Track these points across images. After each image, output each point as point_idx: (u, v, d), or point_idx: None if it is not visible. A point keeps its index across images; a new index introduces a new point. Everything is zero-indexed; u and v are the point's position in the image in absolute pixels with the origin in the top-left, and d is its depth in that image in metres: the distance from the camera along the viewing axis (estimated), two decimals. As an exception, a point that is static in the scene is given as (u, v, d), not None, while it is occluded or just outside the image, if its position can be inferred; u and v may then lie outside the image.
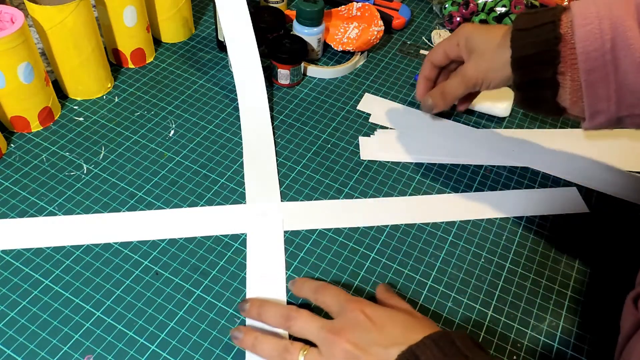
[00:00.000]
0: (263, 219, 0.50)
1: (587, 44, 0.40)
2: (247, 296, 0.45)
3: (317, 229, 0.50)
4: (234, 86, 0.64)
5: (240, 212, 0.51)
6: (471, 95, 0.57)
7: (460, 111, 0.60)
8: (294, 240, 0.49)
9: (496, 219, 0.52)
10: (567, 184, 0.56)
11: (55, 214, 0.49)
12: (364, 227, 0.51)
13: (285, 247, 0.48)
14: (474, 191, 0.55)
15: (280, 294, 0.45)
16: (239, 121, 0.60)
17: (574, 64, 0.42)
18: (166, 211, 0.50)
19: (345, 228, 0.50)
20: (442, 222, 0.52)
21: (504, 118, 0.62)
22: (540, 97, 0.45)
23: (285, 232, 0.50)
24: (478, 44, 0.49)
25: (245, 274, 0.46)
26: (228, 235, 0.49)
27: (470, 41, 0.50)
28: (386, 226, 0.51)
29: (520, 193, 0.55)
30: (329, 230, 0.50)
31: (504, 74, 0.47)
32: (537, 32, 0.43)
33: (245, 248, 0.48)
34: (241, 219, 0.50)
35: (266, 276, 0.46)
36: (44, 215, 0.49)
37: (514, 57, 0.45)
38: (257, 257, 0.48)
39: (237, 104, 0.61)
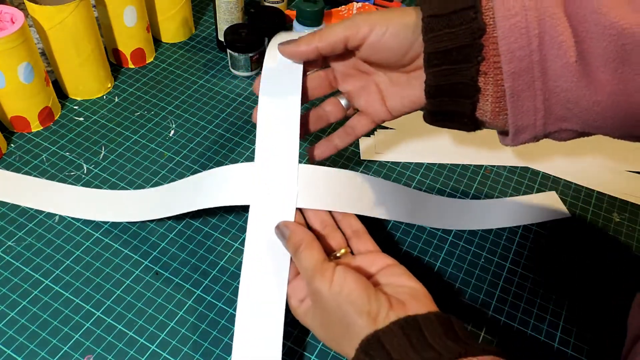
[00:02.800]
0: (273, 188, 0.41)
1: (511, 40, 0.33)
2: (242, 278, 0.40)
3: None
4: (235, 86, 0.64)
5: (247, 175, 0.42)
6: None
7: (313, 159, 0.46)
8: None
9: (478, 230, 0.51)
10: (567, 184, 0.56)
11: (54, 215, 0.49)
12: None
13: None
14: (474, 191, 0.55)
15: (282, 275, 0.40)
16: (239, 121, 0.60)
17: (497, 62, 0.35)
18: (163, 187, 0.49)
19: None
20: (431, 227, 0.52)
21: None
22: (455, 109, 0.37)
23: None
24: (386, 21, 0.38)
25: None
26: (230, 232, 0.49)
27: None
28: (387, 225, 0.51)
29: (500, 202, 0.54)
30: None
31: (406, 31, 0.37)
32: (455, 20, 0.34)
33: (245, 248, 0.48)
34: (247, 184, 0.41)
35: (266, 259, 0.40)
36: (44, 216, 0.49)
37: (428, 52, 0.36)
38: (258, 238, 0.41)
39: (237, 103, 0.62)
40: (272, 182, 0.41)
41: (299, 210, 0.41)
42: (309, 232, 0.39)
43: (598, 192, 0.56)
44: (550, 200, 0.54)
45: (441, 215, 0.52)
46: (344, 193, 0.42)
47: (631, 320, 0.37)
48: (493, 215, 0.53)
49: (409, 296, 0.35)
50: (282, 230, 0.39)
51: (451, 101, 0.37)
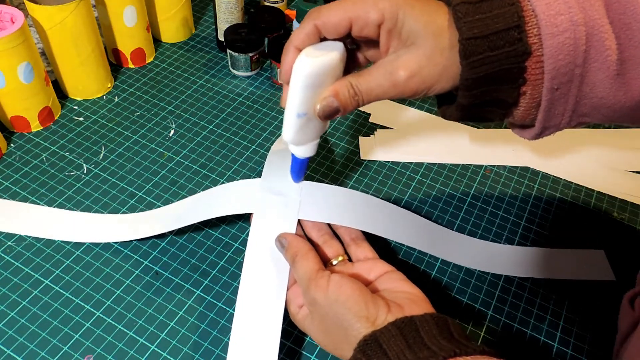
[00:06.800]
0: (276, 198, 0.43)
1: (559, 59, 0.32)
2: (240, 291, 0.41)
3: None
4: (235, 86, 0.64)
5: (253, 188, 0.44)
6: None
7: None
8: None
9: (514, 277, 0.48)
10: (567, 184, 0.56)
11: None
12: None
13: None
14: (474, 191, 0.55)
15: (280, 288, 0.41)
16: (239, 121, 0.60)
17: (537, 80, 0.33)
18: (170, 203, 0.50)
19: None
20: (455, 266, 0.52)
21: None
22: (486, 115, 0.37)
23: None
24: (419, 36, 0.34)
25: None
26: (230, 232, 0.49)
27: (406, 27, 0.34)
28: (386, 226, 0.51)
29: (542, 252, 0.50)
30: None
31: (454, 83, 0.34)
32: (496, 42, 0.32)
33: (245, 248, 0.48)
34: (253, 194, 0.44)
35: (266, 269, 0.41)
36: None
37: (468, 78, 0.33)
38: (260, 245, 0.42)
39: (237, 103, 0.62)
40: (276, 193, 0.43)
41: (298, 221, 0.42)
42: (306, 242, 0.40)
43: (598, 192, 0.56)
44: (597, 260, 0.50)
45: (460, 252, 0.49)
46: (342, 208, 0.43)
47: (620, 321, 0.38)
48: (532, 265, 0.49)
49: (407, 300, 0.36)
50: (280, 242, 0.41)
51: (483, 110, 0.36)
